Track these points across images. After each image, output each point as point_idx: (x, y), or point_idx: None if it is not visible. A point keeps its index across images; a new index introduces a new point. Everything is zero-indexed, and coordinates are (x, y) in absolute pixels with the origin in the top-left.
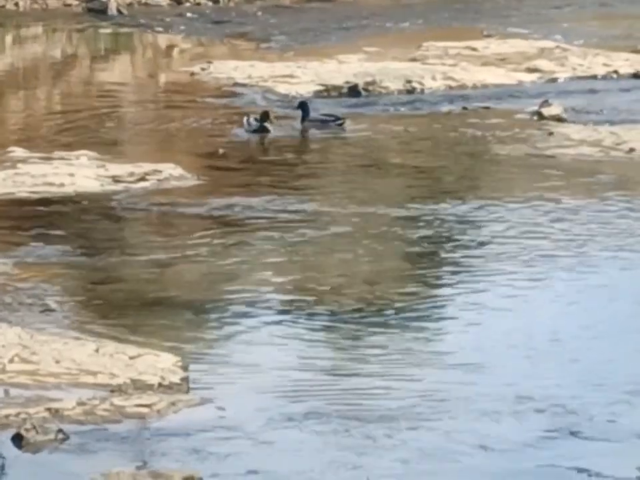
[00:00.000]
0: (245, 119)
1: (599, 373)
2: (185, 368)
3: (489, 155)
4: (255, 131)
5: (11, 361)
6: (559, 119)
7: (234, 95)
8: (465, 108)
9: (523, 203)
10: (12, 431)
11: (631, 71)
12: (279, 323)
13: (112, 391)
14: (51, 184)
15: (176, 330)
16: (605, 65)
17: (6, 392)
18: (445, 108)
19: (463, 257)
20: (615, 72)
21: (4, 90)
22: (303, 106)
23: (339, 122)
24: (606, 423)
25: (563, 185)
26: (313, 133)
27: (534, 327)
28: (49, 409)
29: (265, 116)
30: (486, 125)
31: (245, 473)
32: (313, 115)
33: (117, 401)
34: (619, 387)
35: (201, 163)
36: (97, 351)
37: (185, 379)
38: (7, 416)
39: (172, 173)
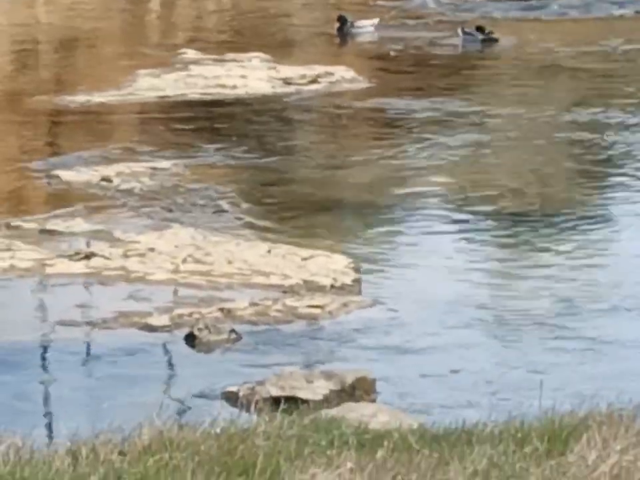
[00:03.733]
0: (459, 29)
1: None
2: (357, 270)
3: None
4: (483, 41)
5: (184, 261)
6: None
7: None
8: (638, 12)
9: None
10: (185, 331)
11: None
12: (448, 225)
13: (284, 292)
14: (223, 86)
15: (348, 232)
16: None
17: (179, 292)
18: (618, 12)
19: (634, 161)
20: None
21: None
22: (342, 19)
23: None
24: None
25: None
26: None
27: None
28: (221, 309)
29: (481, 29)
30: None
31: (417, 375)
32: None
33: (289, 301)
34: None
35: (372, 66)
36: (269, 252)
37: (357, 281)
38: (180, 315)
39: (344, 75)
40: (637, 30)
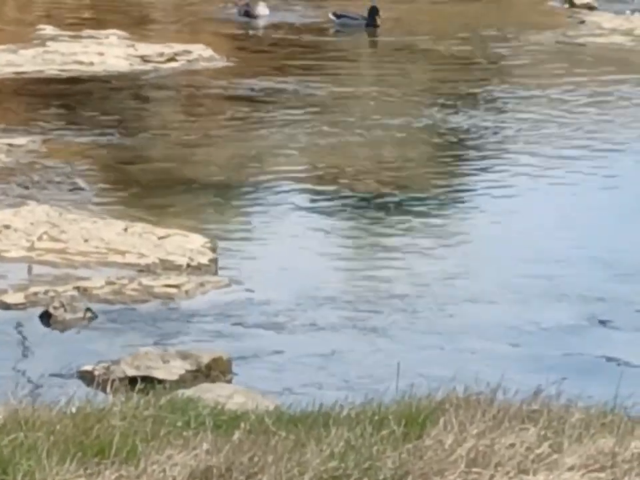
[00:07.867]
0: (330, 13)
1: (628, 263)
2: (213, 249)
3: (519, 41)
4: (367, 25)
5: (40, 238)
6: (590, 7)
7: None
8: None
9: (552, 89)
10: (40, 309)
11: None
12: (306, 205)
13: (140, 271)
14: (80, 62)
15: (205, 211)
16: None
17: (35, 270)
18: None
19: (488, 142)
20: None
21: None
22: None
23: None
24: (634, 313)
25: (593, 72)
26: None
27: (560, 217)
28: (77, 288)
29: (374, 11)
30: (515, 12)
31: (272, 354)
32: None
33: (146, 280)
34: None
35: (231, 45)
36: (125, 230)
37: (214, 260)
38: (35, 293)
39: (202, 53)
40: (490, 12)
